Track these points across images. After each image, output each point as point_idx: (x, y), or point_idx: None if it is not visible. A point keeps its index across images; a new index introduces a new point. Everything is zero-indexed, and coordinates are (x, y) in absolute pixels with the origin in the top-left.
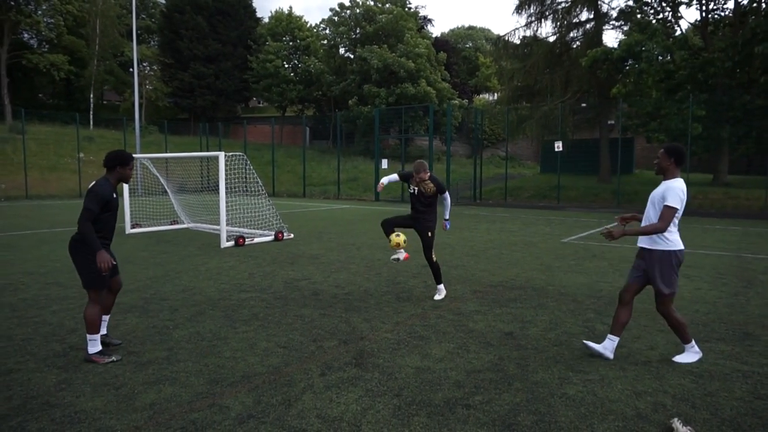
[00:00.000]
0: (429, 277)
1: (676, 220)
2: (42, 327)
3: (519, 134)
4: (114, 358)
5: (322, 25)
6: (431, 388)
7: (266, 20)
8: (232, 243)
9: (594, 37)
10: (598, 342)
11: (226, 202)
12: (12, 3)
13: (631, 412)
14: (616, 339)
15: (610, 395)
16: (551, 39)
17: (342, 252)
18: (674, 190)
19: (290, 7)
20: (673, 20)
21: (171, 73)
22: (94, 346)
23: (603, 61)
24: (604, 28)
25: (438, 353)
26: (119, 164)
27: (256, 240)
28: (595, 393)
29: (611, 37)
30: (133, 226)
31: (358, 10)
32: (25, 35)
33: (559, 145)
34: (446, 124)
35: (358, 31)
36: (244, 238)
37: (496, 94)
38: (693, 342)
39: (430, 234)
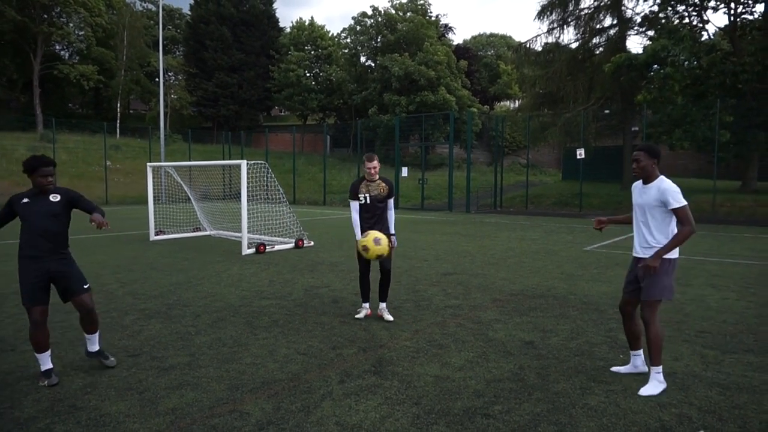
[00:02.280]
0: (449, 286)
1: (673, 222)
2: (68, 332)
3: (541, 142)
4: (47, 383)
5: (343, 34)
6: (450, 397)
7: (288, 30)
8: (253, 250)
9: (618, 43)
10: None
11: (248, 210)
12: (45, 16)
13: (655, 423)
14: (640, 351)
15: (633, 406)
16: (574, 45)
17: None
18: (670, 192)
19: (312, 17)
20: (700, 25)
21: (195, 83)
22: (43, 365)
23: (627, 67)
24: (627, 33)
25: (457, 362)
26: (28, 171)
27: (277, 247)
28: (617, 404)
29: (635, 43)
30: (156, 233)
31: (379, 19)
32: (57, 47)
33: (581, 153)
34: (466, 131)
35: (379, 39)
36: (265, 246)
37: (517, 102)
38: (661, 368)
39: (390, 245)
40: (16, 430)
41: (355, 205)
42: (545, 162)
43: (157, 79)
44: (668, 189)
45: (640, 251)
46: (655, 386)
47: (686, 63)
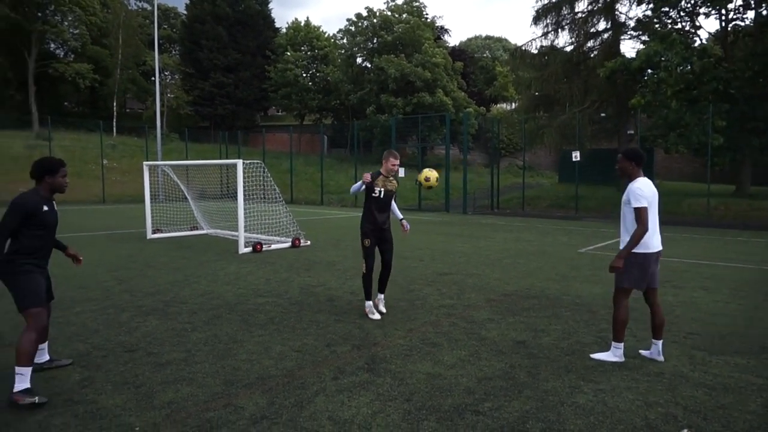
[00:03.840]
0: (444, 286)
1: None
2: (66, 327)
3: (537, 143)
4: (36, 400)
5: (339, 35)
6: (441, 393)
7: (284, 30)
8: (249, 249)
9: (612, 47)
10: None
11: (245, 209)
12: (39, 14)
13: (641, 422)
14: (659, 342)
15: (621, 405)
16: (568, 49)
17: (358, 259)
18: (633, 192)
19: (307, 18)
20: (692, 30)
21: (192, 82)
22: (23, 382)
23: (621, 72)
24: (621, 38)
25: (449, 360)
26: (46, 173)
27: (274, 246)
28: (605, 403)
29: (629, 47)
30: (154, 232)
31: (375, 20)
32: (52, 45)
33: (576, 155)
34: (463, 132)
35: (375, 40)
36: (261, 245)
37: (513, 104)
38: (622, 345)
39: (391, 239)
40: (16, 422)
41: (358, 185)
42: (542, 164)
43: (153, 78)
44: (631, 189)
45: (621, 244)
46: (608, 355)
47: (679, 68)
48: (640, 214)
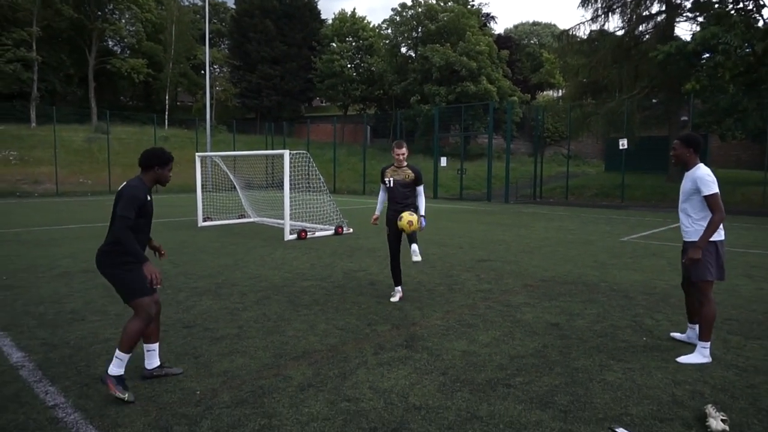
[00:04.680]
0: (482, 272)
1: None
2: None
3: (583, 132)
4: (126, 397)
5: (384, 25)
6: (475, 369)
7: (330, 22)
8: (295, 236)
9: (666, 30)
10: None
11: (290, 198)
12: (99, 13)
13: (668, 398)
14: (695, 326)
15: (649, 383)
16: (619, 33)
17: None
18: (702, 179)
19: (354, 8)
20: (754, 9)
21: (239, 75)
22: (119, 367)
23: (676, 56)
24: (676, 20)
25: (484, 339)
26: (158, 164)
27: (318, 234)
28: (634, 380)
29: (684, 30)
30: (204, 219)
31: (419, 9)
32: (110, 42)
33: (623, 143)
34: (506, 121)
35: (420, 29)
36: (306, 232)
37: (560, 91)
38: (710, 344)
39: (420, 227)
40: (92, 383)
41: (382, 187)
42: (588, 153)
43: (203, 72)
44: (701, 176)
45: (683, 236)
46: (696, 357)
47: (738, 50)
48: (716, 200)
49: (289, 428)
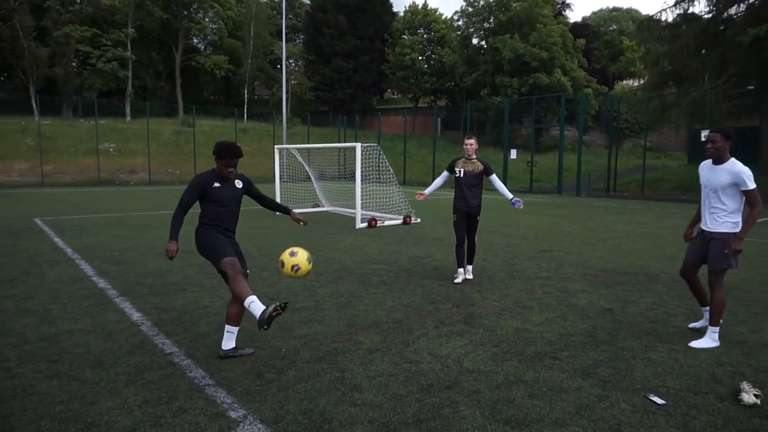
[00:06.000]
0: (543, 261)
1: (742, 200)
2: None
3: (663, 123)
4: (247, 351)
5: (455, 17)
6: (526, 343)
7: (402, 14)
8: (365, 224)
9: (759, 13)
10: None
11: (361, 189)
12: (185, 13)
13: (707, 375)
14: (707, 308)
15: (691, 362)
16: (705, 18)
17: None
18: (745, 173)
19: (425, 1)
20: None
21: (314, 69)
22: (230, 340)
23: (767, 39)
24: None
25: (538, 319)
26: (216, 157)
27: (387, 223)
28: (676, 359)
29: None
30: None
31: (492, 0)
32: (195, 40)
33: (706, 134)
34: (580, 113)
35: (492, 19)
36: (376, 221)
37: (641, 80)
38: (719, 329)
39: (478, 218)
40: (197, 338)
41: (444, 174)
42: (671, 145)
43: (279, 66)
44: (742, 171)
45: (710, 226)
46: (707, 342)
47: None
48: (755, 194)
49: (359, 380)
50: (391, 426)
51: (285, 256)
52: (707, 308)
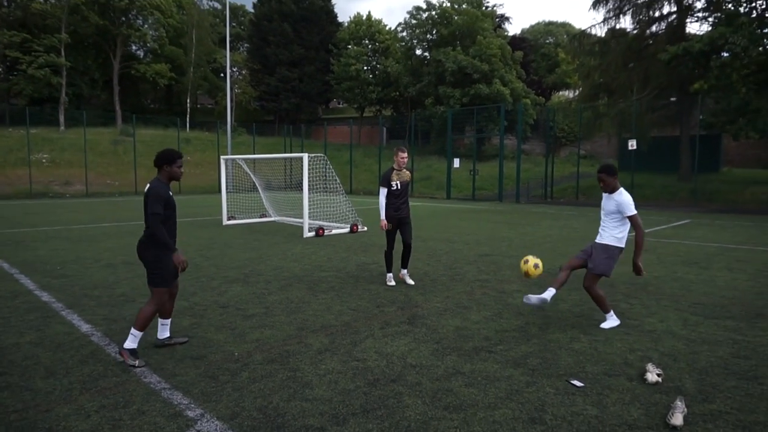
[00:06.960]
0: (483, 265)
1: (627, 223)
2: None
3: (596, 132)
4: (137, 364)
5: (399, 28)
6: (464, 339)
7: (346, 25)
8: (313, 233)
9: (677, 31)
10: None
11: (308, 199)
12: (123, 19)
13: (620, 360)
14: (554, 290)
15: (608, 350)
16: (630, 34)
17: None
18: (625, 203)
19: (369, 12)
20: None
21: (258, 78)
22: (132, 342)
23: (683, 57)
24: (687, 21)
25: (476, 318)
26: (166, 162)
27: (334, 231)
28: (596, 348)
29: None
30: (229, 218)
31: (434, 13)
32: (133, 47)
33: (632, 144)
34: (518, 122)
35: (434, 32)
36: (323, 230)
37: (576, 91)
38: (612, 311)
39: (410, 222)
40: (150, 347)
41: (384, 192)
42: (603, 153)
43: (222, 75)
44: (623, 202)
45: (598, 239)
46: (610, 323)
47: (744, 52)
48: (637, 218)
49: (309, 378)
50: (341, 417)
51: (529, 267)
52: (553, 289)
